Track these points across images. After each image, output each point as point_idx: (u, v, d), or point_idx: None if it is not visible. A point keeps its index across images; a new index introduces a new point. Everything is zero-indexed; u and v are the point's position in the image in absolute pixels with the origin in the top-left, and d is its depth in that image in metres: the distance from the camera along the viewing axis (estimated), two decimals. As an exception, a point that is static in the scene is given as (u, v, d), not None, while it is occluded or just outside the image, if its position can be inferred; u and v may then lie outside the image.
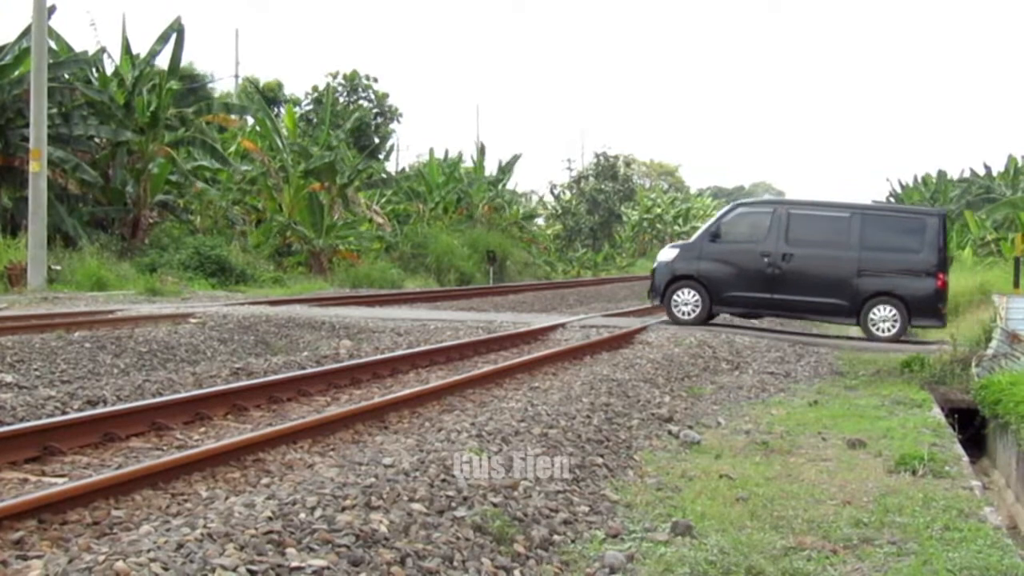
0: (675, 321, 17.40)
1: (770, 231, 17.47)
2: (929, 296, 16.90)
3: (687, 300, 17.59)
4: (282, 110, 43.81)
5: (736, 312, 18.27)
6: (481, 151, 50.22)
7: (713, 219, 18.95)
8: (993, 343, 14.13)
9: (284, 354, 12.95)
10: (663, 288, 17.76)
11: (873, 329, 17.06)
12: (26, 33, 25.62)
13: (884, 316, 17.00)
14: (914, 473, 7.45)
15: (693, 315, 17.46)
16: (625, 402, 9.71)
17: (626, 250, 64.06)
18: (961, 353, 13.32)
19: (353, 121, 41.52)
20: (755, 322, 18.95)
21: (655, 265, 18.41)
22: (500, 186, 50.78)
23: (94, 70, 29.71)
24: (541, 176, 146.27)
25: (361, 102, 49.52)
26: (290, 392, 9.37)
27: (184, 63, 31.48)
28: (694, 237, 18.85)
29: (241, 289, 26.11)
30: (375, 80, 50.52)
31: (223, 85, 47.00)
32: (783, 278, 17.30)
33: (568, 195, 64.64)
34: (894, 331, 16.92)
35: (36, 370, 10.58)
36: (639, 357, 12.82)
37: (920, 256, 16.95)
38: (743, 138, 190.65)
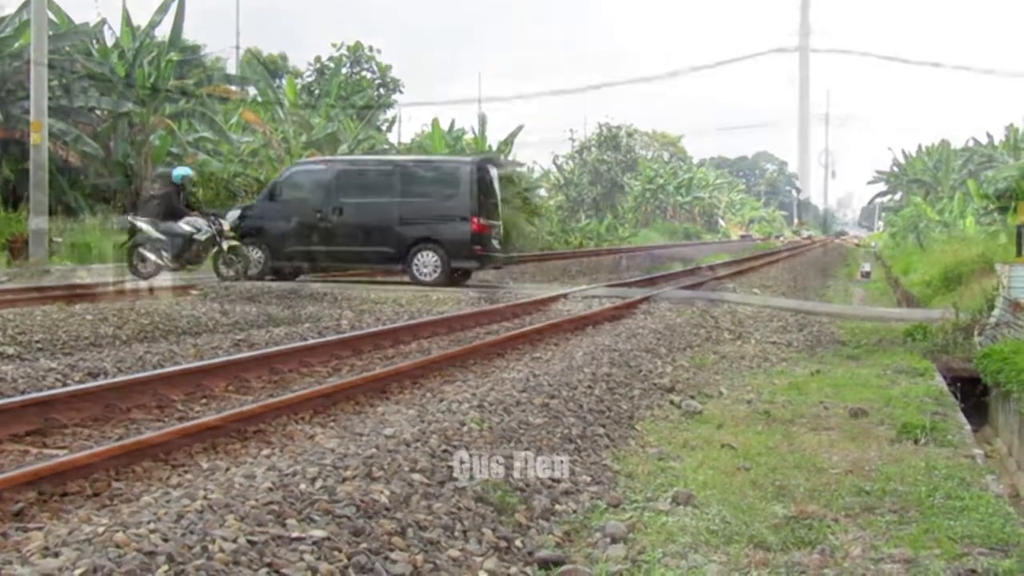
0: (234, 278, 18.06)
1: (322, 188, 18.53)
2: (465, 240, 17.96)
3: (251, 258, 18.34)
4: (284, 82, 43.59)
5: (297, 266, 18.88)
6: (483, 122, 50.04)
7: (272, 180, 19.94)
8: (995, 312, 14.06)
9: (286, 326, 12.93)
10: None
11: (418, 274, 17.98)
12: (26, 5, 25.50)
13: (427, 261, 17.99)
14: (916, 442, 7.44)
15: (257, 270, 18.27)
16: (627, 372, 9.69)
17: (628, 221, 63.88)
18: (963, 322, 13.29)
19: (362, 98, 41.27)
20: (757, 292, 18.91)
21: None
22: (502, 158, 50.57)
23: (94, 42, 29.62)
24: (544, 149, 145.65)
25: (364, 74, 49.25)
26: (292, 363, 9.35)
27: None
28: (258, 198, 19.94)
29: (243, 261, 26.03)
30: (378, 51, 50.23)
31: (224, 56, 46.72)
32: (336, 231, 18.28)
33: (571, 165, 64.43)
34: (436, 275, 17.89)
35: (37, 342, 10.55)
36: (641, 327, 12.79)
37: (455, 202, 18.03)
38: (746, 108, 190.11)
